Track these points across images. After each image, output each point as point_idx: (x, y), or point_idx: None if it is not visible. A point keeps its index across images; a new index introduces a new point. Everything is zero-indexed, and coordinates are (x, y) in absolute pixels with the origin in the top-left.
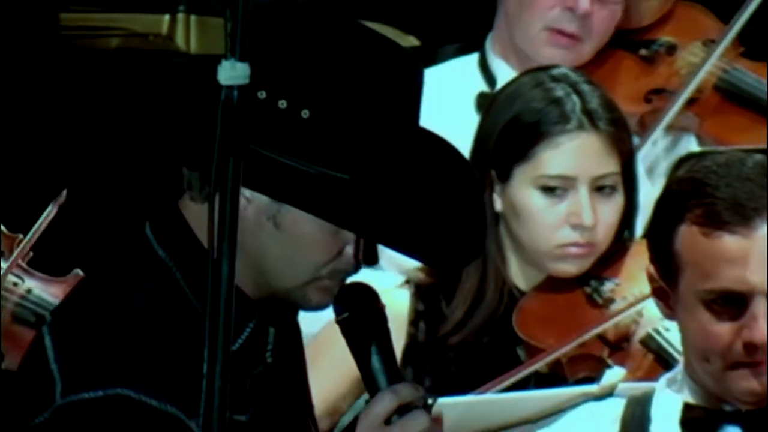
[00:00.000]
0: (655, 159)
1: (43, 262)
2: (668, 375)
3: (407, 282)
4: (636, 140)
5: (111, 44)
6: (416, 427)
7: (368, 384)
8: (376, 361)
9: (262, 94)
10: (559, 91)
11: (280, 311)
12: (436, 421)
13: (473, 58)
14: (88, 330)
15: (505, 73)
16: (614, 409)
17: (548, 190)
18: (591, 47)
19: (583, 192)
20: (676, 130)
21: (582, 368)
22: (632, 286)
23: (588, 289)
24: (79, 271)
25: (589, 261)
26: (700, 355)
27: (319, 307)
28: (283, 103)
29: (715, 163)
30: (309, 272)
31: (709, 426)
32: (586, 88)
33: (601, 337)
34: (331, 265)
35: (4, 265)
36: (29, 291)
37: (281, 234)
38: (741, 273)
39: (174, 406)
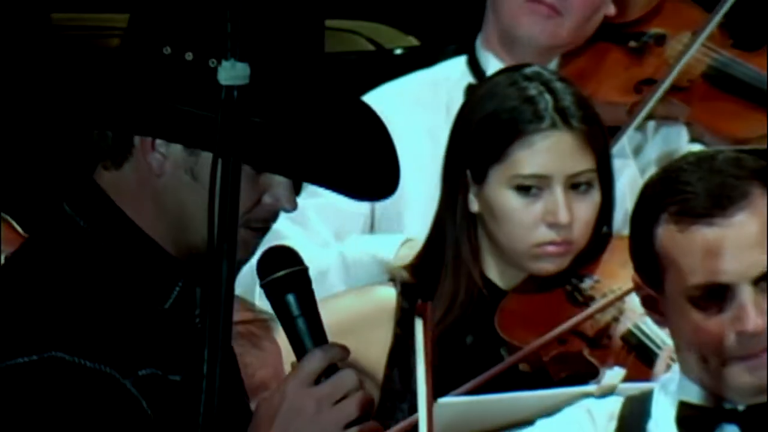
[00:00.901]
0: (648, 149)
1: None
2: (665, 376)
3: (392, 280)
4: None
5: (111, 44)
6: (347, 385)
7: (295, 346)
8: (301, 323)
9: (167, 50)
10: (532, 89)
11: (205, 270)
12: (362, 382)
13: (462, 58)
14: (17, 298)
15: (494, 66)
16: (612, 406)
17: (523, 189)
18: (570, 23)
19: (558, 190)
20: (667, 120)
21: (564, 367)
22: (612, 283)
23: (568, 288)
24: None
25: (567, 259)
26: (696, 355)
27: (239, 263)
28: (189, 56)
29: (685, 162)
30: None
31: (706, 425)
32: (558, 86)
33: (581, 334)
34: (249, 214)
35: None
36: None
37: (199, 185)
38: (722, 264)
39: (108, 366)
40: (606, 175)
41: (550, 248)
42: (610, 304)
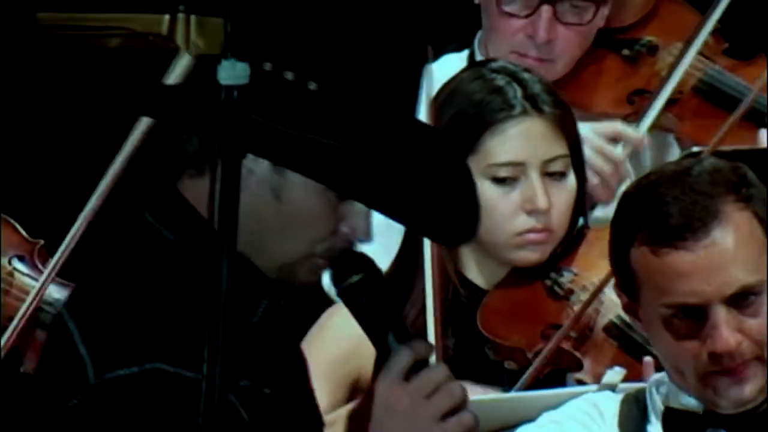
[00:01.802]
0: (642, 156)
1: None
2: (656, 377)
3: None
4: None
5: (111, 44)
6: (437, 378)
7: (378, 348)
8: (384, 323)
9: (267, 66)
10: (500, 80)
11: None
12: (452, 375)
13: (464, 54)
14: (112, 310)
15: None
16: (612, 402)
17: (499, 180)
18: (563, 64)
19: (534, 176)
20: (659, 129)
21: (548, 361)
22: (591, 275)
23: (548, 282)
24: None
25: (549, 247)
26: (673, 369)
27: (304, 286)
28: (289, 75)
29: (661, 177)
30: (303, 248)
31: (692, 429)
32: (525, 75)
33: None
34: (326, 242)
35: (23, 268)
36: (48, 295)
37: (281, 206)
38: (694, 285)
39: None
40: (579, 162)
41: (531, 236)
42: (594, 297)
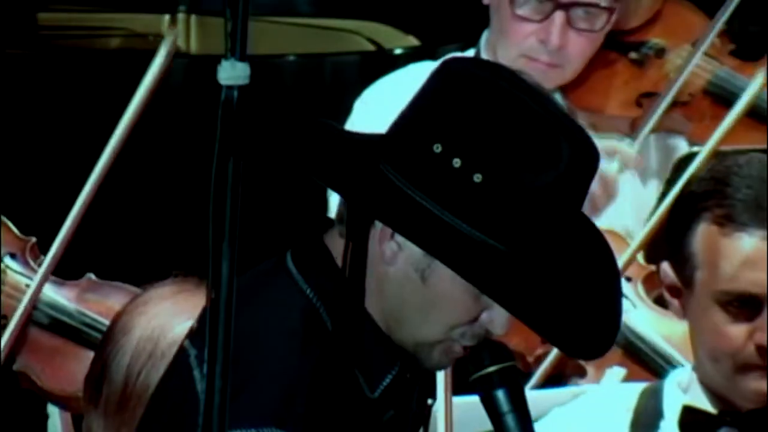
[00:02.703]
0: (647, 160)
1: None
2: (674, 373)
3: None
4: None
5: (111, 44)
6: None
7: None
8: (510, 419)
9: (437, 148)
10: None
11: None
12: None
13: (469, 53)
14: (236, 365)
15: None
16: (628, 397)
17: None
18: (572, 70)
19: None
20: (668, 131)
21: (549, 366)
22: None
23: None
24: (92, 275)
25: None
26: (710, 355)
27: (438, 368)
28: (457, 162)
29: (735, 164)
30: (441, 331)
31: (707, 428)
32: None
33: None
34: (464, 328)
35: (16, 265)
36: (42, 294)
37: (425, 288)
38: (759, 276)
39: None
40: None
41: None
42: None
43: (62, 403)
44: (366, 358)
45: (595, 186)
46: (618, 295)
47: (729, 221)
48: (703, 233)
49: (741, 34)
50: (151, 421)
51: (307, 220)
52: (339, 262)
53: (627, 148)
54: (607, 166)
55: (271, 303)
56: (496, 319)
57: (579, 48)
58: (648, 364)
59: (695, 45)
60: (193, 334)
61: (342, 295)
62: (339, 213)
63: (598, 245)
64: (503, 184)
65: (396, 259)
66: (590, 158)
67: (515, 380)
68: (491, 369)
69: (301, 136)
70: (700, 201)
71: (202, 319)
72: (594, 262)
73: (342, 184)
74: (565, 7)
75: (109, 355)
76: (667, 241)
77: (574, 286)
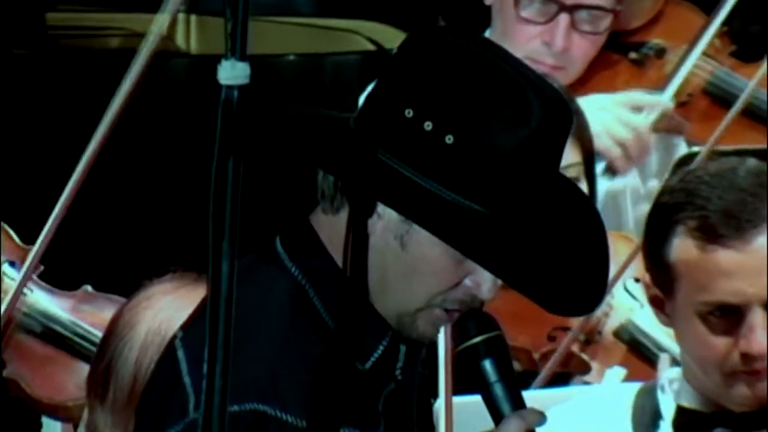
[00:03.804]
0: (649, 161)
1: (54, 276)
2: (668, 374)
3: None
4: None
5: (111, 44)
6: None
7: (492, 412)
8: (498, 389)
9: (409, 113)
10: None
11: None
12: None
13: None
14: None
15: None
16: (626, 396)
17: None
18: (575, 72)
19: None
20: (667, 131)
21: (555, 364)
22: None
23: None
24: (88, 287)
25: None
26: (698, 364)
27: (423, 337)
28: (428, 125)
29: (707, 173)
30: (424, 299)
31: (701, 429)
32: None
33: (572, 331)
34: (447, 294)
35: (17, 275)
36: (36, 302)
37: (405, 255)
38: (737, 285)
39: (309, 422)
40: (591, 169)
41: None
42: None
43: (50, 412)
44: (356, 329)
45: (628, 136)
46: (604, 249)
47: (703, 233)
48: (678, 246)
49: (741, 35)
50: (144, 404)
51: (295, 202)
52: (324, 239)
53: (653, 98)
54: (637, 118)
55: (258, 285)
56: (483, 283)
57: (582, 50)
58: (653, 362)
59: (692, 44)
60: (184, 325)
61: (332, 275)
62: (321, 189)
63: (578, 201)
64: (474, 144)
65: (375, 228)
66: (563, 115)
67: (502, 349)
68: (477, 339)
69: (276, 117)
70: (673, 213)
71: (195, 312)
72: (575, 217)
73: (317, 156)
74: (570, 10)
75: (115, 351)
76: (645, 252)
77: (557, 243)
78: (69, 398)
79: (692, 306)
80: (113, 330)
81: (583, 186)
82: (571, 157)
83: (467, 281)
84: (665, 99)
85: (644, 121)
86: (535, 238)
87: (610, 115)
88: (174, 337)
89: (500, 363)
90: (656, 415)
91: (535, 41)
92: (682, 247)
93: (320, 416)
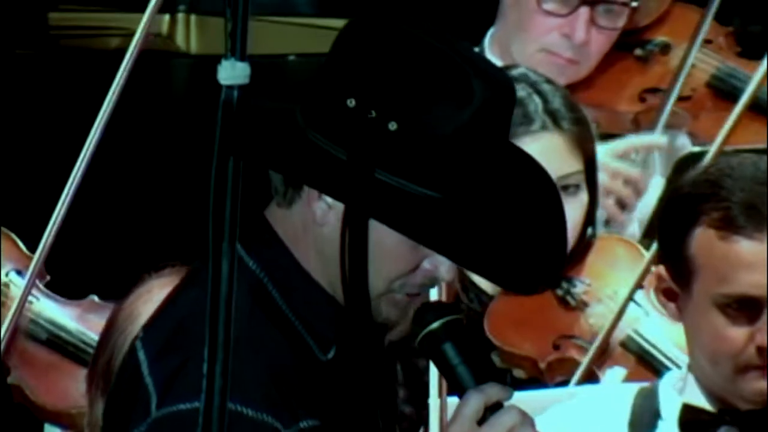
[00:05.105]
0: (650, 157)
1: (61, 286)
2: (674, 374)
3: None
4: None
5: (111, 44)
6: (508, 423)
7: (460, 394)
8: (462, 370)
9: (351, 102)
10: (521, 91)
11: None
12: (526, 416)
13: None
14: (180, 343)
15: None
16: (626, 396)
17: None
18: (587, 68)
19: None
20: (670, 127)
21: (560, 372)
22: (604, 286)
23: (559, 292)
24: (95, 297)
25: None
26: (709, 358)
27: (387, 321)
28: (372, 113)
29: (728, 166)
30: (383, 284)
31: (707, 427)
32: (546, 87)
33: (578, 339)
34: (406, 278)
35: (20, 282)
36: (43, 310)
37: None
38: (757, 278)
39: (270, 415)
40: (592, 176)
41: None
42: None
43: (53, 419)
44: (314, 320)
45: (625, 191)
46: (560, 221)
47: (726, 224)
48: (699, 237)
49: (742, 35)
50: (110, 407)
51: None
52: (280, 232)
53: (644, 139)
54: (628, 167)
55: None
56: (440, 265)
57: (599, 45)
58: (661, 372)
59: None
60: (146, 325)
61: (289, 267)
62: (273, 184)
63: (533, 175)
64: (417, 128)
65: (327, 218)
66: (505, 90)
67: (461, 332)
68: (435, 324)
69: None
70: (696, 204)
71: (156, 312)
72: (529, 192)
73: (266, 153)
74: (591, 3)
75: (116, 344)
76: (663, 244)
77: (510, 220)
78: (73, 405)
79: (710, 298)
80: (114, 323)
81: (584, 194)
82: (572, 165)
83: (426, 264)
84: (656, 138)
85: (637, 169)
86: (487, 218)
87: (604, 175)
88: (136, 337)
89: (461, 345)
90: (655, 416)
91: (553, 34)
92: (703, 237)
93: (282, 408)
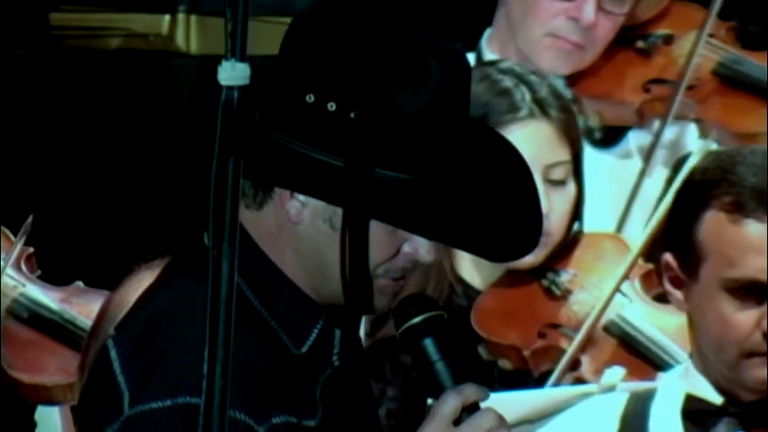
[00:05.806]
0: (653, 148)
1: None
2: (671, 371)
3: None
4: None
5: (111, 44)
6: (485, 423)
7: (436, 391)
8: (440, 367)
9: (310, 98)
10: (507, 82)
11: (345, 314)
12: (503, 419)
13: (470, 57)
14: (152, 341)
15: None
16: (616, 404)
17: None
18: (592, 54)
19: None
20: (675, 118)
21: (545, 360)
22: (589, 276)
23: (545, 282)
24: (80, 283)
25: (544, 251)
26: (715, 344)
27: (377, 309)
28: (332, 106)
29: (740, 154)
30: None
31: (709, 417)
32: (533, 78)
33: (561, 327)
34: (388, 264)
35: (11, 272)
36: (27, 292)
37: (338, 235)
38: (767, 263)
39: (243, 413)
40: (579, 168)
41: None
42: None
43: (30, 395)
44: (288, 316)
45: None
46: (531, 188)
47: (737, 208)
48: (710, 221)
49: (741, 35)
50: (82, 407)
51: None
52: (252, 234)
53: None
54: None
55: (188, 282)
56: (420, 247)
57: (605, 30)
58: (644, 355)
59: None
60: (118, 325)
61: (261, 265)
62: (241, 188)
63: (499, 147)
64: (378, 114)
65: (302, 216)
66: (461, 67)
67: (442, 328)
68: (417, 319)
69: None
70: (707, 189)
71: (129, 312)
72: (498, 164)
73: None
74: None
75: (108, 331)
76: (671, 231)
77: (482, 193)
78: (49, 379)
79: (718, 283)
80: (106, 311)
81: (571, 185)
82: (560, 154)
83: (405, 248)
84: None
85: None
86: (459, 192)
87: None
88: (108, 337)
89: (441, 341)
90: (645, 419)
91: (560, 18)
92: (714, 221)
93: (254, 405)
